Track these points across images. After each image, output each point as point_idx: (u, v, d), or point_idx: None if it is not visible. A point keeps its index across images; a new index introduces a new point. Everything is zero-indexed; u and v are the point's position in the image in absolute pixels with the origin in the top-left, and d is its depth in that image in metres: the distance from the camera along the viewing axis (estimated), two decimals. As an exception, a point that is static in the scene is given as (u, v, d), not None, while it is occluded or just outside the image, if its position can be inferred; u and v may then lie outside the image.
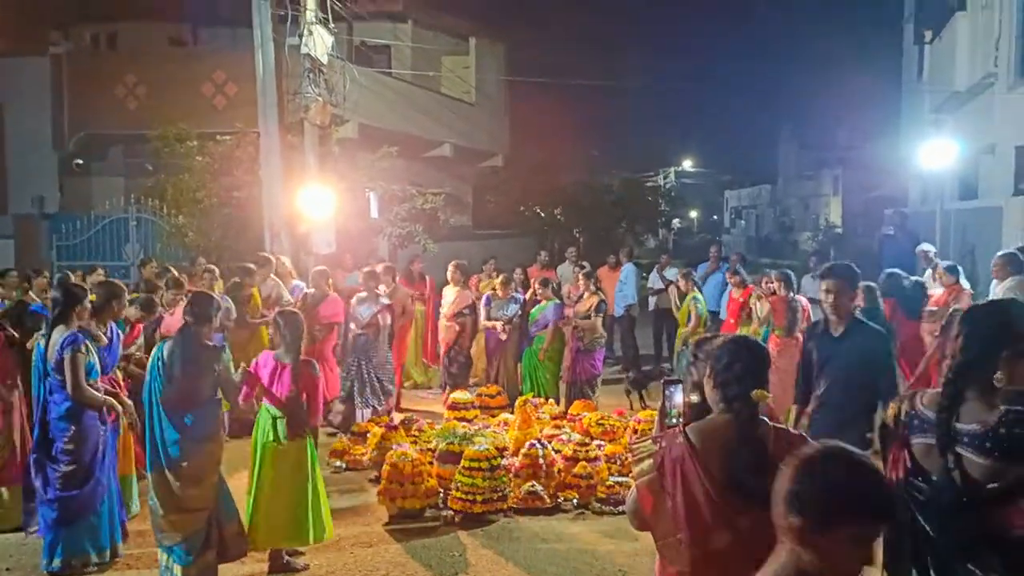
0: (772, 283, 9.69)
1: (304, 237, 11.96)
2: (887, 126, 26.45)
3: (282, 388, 5.53)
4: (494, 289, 10.63)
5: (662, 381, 3.22)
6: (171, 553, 5.22)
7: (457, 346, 10.50)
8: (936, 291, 9.32)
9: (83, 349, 5.52)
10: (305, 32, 11.62)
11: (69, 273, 10.16)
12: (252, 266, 9.66)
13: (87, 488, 5.62)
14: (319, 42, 11.73)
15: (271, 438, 5.53)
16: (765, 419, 2.99)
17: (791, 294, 9.26)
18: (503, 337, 10.25)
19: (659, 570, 3.04)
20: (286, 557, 5.71)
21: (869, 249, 19.08)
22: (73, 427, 5.57)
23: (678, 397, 3.12)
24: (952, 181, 17.05)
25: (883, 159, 26.52)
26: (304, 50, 11.64)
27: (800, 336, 9.41)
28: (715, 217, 68.64)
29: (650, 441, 3.06)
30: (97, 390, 5.66)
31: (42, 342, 5.68)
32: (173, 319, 7.84)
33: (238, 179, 13.05)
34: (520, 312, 10.46)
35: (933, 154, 15.33)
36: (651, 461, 2.97)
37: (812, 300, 10.89)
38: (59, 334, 5.55)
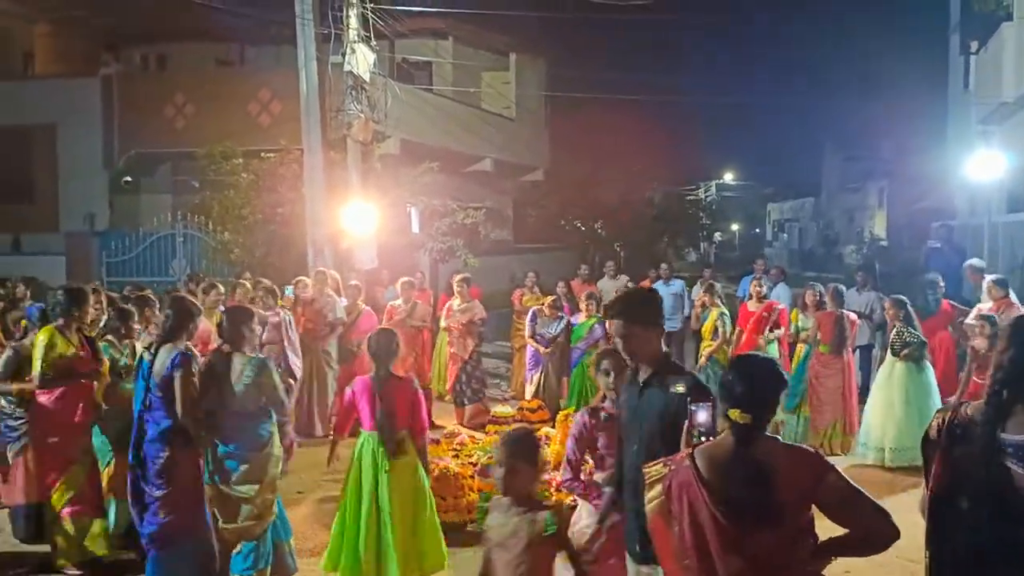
0: (816, 296, 9.58)
1: (347, 253, 12.09)
2: (933, 138, 26.11)
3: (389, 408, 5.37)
4: (542, 307, 10.49)
5: (688, 400, 3.21)
6: (232, 565, 5.22)
7: (471, 363, 10.26)
8: (985, 305, 9.15)
9: (193, 369, 5.35)
10: (348, 50, 11.79)
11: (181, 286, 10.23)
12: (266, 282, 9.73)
13: (185, 514, 5.36)
14: (361, 60, 11.89)
15: (386, 468, 5.31)
16: (773, 437, 2.94)
17: (840, 309, 9.14)
18: (543, 353, 10.20)
19: None
20: None
21: (915, 262, 18.79)
22: (170, 447, 5.31)
23: (702, 416, 3.10)
24: (1000, 193, 16.74)
25: (929, 171, 26.15)
26: (347, 68, 11.81)
27: (849, 353, 9.31)
28: (757, 230, 68.04)
29: (661, 464, 3.05)
30: None
31: (147, 357, 5.46)
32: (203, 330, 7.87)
33: (282, 196, 13.24)
34: (564, 330, 10.38)
35: (980, 166, 15.07)
36: (660, 486, 2.96)
37: (856, 314, 10.78)
38: (167, 352, 5.33)
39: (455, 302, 10.37)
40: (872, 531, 2.85)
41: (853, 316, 9.40)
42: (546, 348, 10.04)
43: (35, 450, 6.07)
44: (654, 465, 3.08)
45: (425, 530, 5.40)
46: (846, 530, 2.89)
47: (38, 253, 16.01)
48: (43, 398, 5.99)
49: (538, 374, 10.28)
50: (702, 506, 2.79)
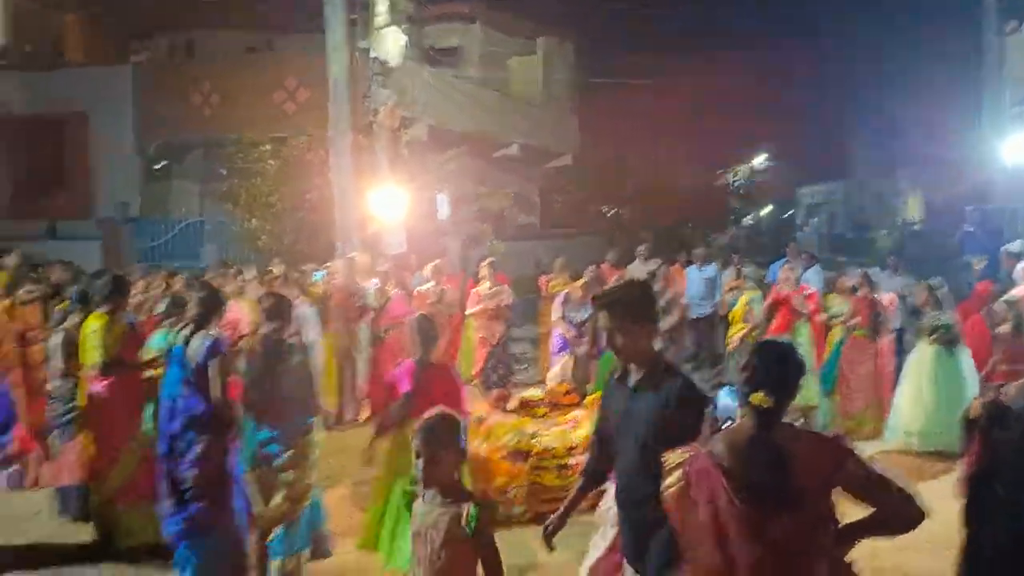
0: (849, 282, 9.49)
1: (374, 238, 12.12)
2: (966, 120, 25.65)
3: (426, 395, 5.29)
4: (575, 287, 10.44)
5: (711, 386, 3.22)
6: (271, 550, 5.25)
7: (500, 347, 10.23)
8: (1019, 291, 9.01)
9: (227, 355, 5.36)
10: (375, 36, 11.79)
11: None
12: (306, 268, 9.77)
13: (216, 501, 5.34)
14: (390, 45, 11.90)
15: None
16: (791, 423, 2.93)
17: (874, 294, 9.05)
18: (570, 338, 10.17)
19: None
20: None
21: (948, 247, 18.53)
22: (204, 435, 5.30)
23: (725, 401, 3.09)
24: (1036, 176, 16.45)
25: (963, 154, 25.73)
26: (374, 54, 11.82)
27: (884, 338, 9.20)
28: (787, 214, 67.39)
29: (681, 451, 3.03)
30: None
31: (178, 342, 5.45)
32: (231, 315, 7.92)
33: (309, 182, 13.30)
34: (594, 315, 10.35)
35: (1015, 149, 14.84)
36: (679, 472, 2.95)
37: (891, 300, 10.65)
38: (201, 339, 5.32)
39: (483, 286, 10.37)
40: (896, 513, 2.84)
41: (887, 300, 9.30)
42: (576, 334, 10.01)
43: (87, 437, 6.11)
44: (675, 453, 3.07)
45: None
46: (870, 512, 2.88)
47: (72, 239, 16.20)
48: (96, 386, 5.99)
49: (565, 357, 10.25)
50: (721, 492, 2.79)
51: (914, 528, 2.86)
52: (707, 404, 3.19)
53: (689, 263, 13.28)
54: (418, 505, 3.40)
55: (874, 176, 48.54)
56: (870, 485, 2.81)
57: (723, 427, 3.02)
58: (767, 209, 63.16)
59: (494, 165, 20.55)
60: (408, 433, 5.25)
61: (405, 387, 5.41)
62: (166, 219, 16.23)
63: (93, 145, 17.83)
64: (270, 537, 5.26)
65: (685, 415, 3.22)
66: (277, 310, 5.50)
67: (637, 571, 3.40)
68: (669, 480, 2.97)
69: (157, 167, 18.19)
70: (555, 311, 10.27)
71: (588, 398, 8.67)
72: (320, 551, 5.51)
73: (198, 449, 5.30)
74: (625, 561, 3.52)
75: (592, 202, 23.68)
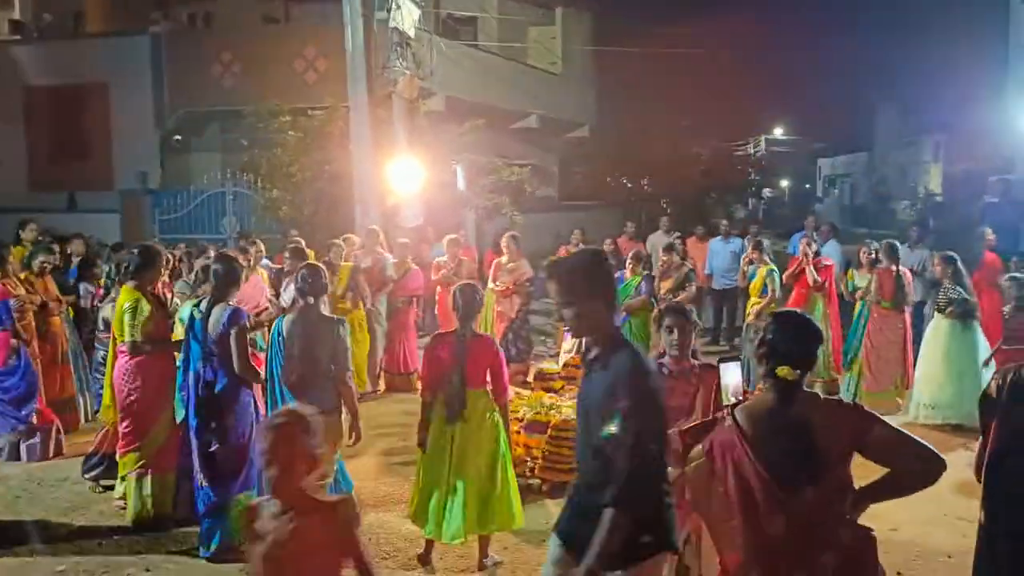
0: (870, 254, 9.44)
1: (393, 210, 12.14)
2: (992, 89, 25.32)
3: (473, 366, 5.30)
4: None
5: (718, 360, 3.20)
6: None
7: (518, 321, 10.14)
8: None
9: (247, 324, 5.40)
10: (393, 6, 11.73)
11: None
12: (338, 241, 9.77)
13: (241, 476, 5.44)
14: (407, 16, 11.85)
15: (455, 429, 5.28)
16: (814, 392, 2.94)
17: (897, 266, 9.01)
18: None
19: (717, 558, 3.00)
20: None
21: (971, 218, 18.37)
22: (230, 405, 5.40)
23: (732, 376, 3.09)
24: (1061, 146, 16.27)
25: (987, 124, 25.42)
26: (392, 23, 11.77)
27: (908, 310, 9.15)
28: (808, 186, 66.83)
29: (701, 425, 3.04)
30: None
31: (197, 316, 5.49)
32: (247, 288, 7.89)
33: (329, 153, 13.30)
34: None
35: (1041, 118, 14.64)
36: (700, 447, 2.96)
37: (912, 272, 10.57)
38: (221, 309, 5.38)
39: (503, 259, 10.37)
40: (919, 471, 2.86)
41: (908, 272, 9.26)
42: None
43: (118, 412, 6.03)
44: (693, 425, 3.10)
45: (501, 490, 5.34)
46: (886, 473, 2.91)
47: (93, 211, 16.31)
48: (126, 364, 5.88)
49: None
50: (747, 465, 2.81)
51: (933, 482, 2.87)
52: (656, 381, 3.00)
53: (708, 235, 13.22)
54: (264, 522, 2.93)
55: (896, 147, 48.02)
56: (896, 447, 2.83)
57: (729, 403, 3.02)
58: (787, 181, 62.69)
59: (512, 137, 20.48)
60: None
61: (448, 359, 5.34)
62: (186, 190, 16.29)
63: (113, 116, 17.88)
64: None
65: (638, 389, 2.94)
66: (316, 283, 5.44)
67: (568, 555, 3.17)
68: (691, 454, 2.98)
69: (177, 138, 18.23)
70: None
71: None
72: None
73: (221, 421, 5.38)
74: (556, 539, 3.34)
75: (611, 174, 23.56)
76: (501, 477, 5.36)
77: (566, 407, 7.51)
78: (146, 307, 5.83)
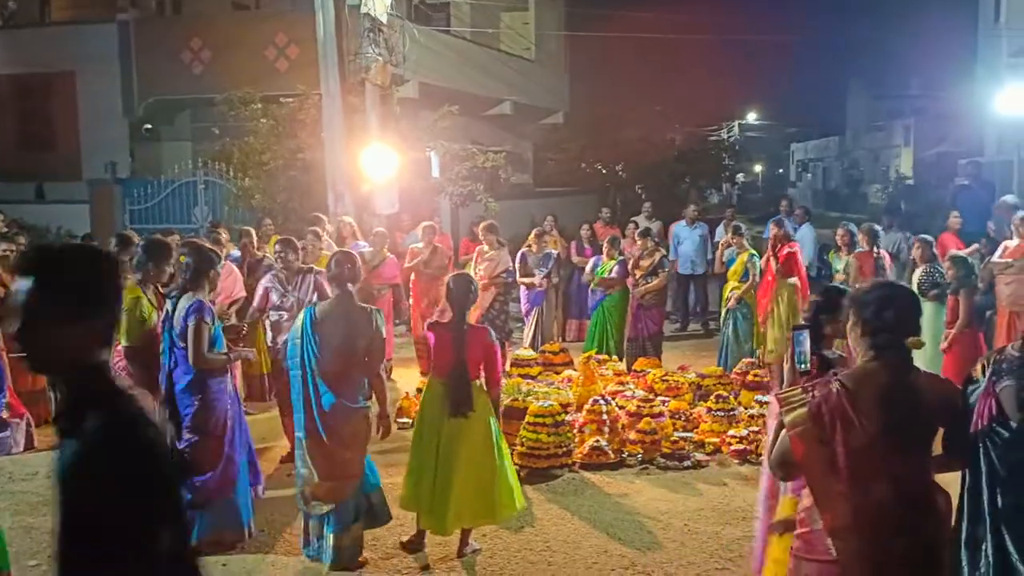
0: (847, 236, 9.50)
1: (367, 198, 12.06)
2: (961, 73, 25.54)
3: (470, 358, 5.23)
4: (528, 245, 10.44)
5: (791, 329, 3.30)
6: (324, 521, 5.13)
7: (494, 310, 10.05)
8: (1012, 243, 9.04)
9: (208, 319, 5.23)
10: (363, -9, 11.62)
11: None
12: (318, 229, 9.67)
13: (219, 469, 5.32)
14: (378, 1, 11.74)
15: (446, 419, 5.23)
16: (916, 366, 3.03)
17: (877, 249, 9.08)
18: (541, 288, 10.16)
19: (808, 518, 3.04)
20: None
21: (942, 201, 18.55)
22: (199, 398, 5.26)
23: (806, 344, 3.22)
24: (1030, 129, 16.42)
25: (957, 108, 25.68)
26: (364, 9, 11.66)
27: None
28: (780, 171, 67.25)
29: (800, 390, 3.09)
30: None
31: (169, 308, 5.33)
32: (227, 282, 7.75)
33: (302, 141, 13.18)
34: (556, 267, 10.36)
35: (1010, 100, 14.80)
36: (803, 410, 2.98)
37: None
38: (186, 301, 5.25)
39: (485, 247, 10.36)
40: (964, 450, 3.02)
41: (885, 254, 9.35)
42: (539, 283, 10.07)
43: None
44: (792, 390, 3.15)
45: (496, 481, 5.29)
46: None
47: (61, 201, 16.08)
48: (119, 362, 5.52)
49: (534, 316, 10.22)
50: (860, 432, 2.86)
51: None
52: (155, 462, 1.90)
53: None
54: None
55: (867, 131, 48.43)
56: (965, 426, 3.00)
57: (802, 369, 3.19)
58: (761, 166, 63.03)
59: (487, 123, 20.41)
60: (446, 404, 5.22)
61: (439, 349, 5.30)
62: (157, 180, 16.09)
63: (81, 105, 17.60)
64: (321, 510, 5.10)
65: (101, 490, 1.81)
66: (349, 270, 5.23)
67: None
68: (791, 418, 3.00)
69: (147, 127, 18.00)
70: (517, 270, 10.21)
71: (582, 356, 8.75)
72: (377, 518, 5.34)
73: (191, 415, 5.27)
74: None
75: (586, 160, 23.55)
76: (496, 466, 5.30)
77: (543, 393, 7.54)
78: (147, 307, 5.57)
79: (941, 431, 3.06)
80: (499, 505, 5.31)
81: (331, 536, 5.11)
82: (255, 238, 9.60)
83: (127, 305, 5.42)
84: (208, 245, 6.08)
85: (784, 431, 3.02)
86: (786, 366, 3.32)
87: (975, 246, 9.89)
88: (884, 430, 2.86)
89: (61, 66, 17.40)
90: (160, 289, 5.81)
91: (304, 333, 5.12)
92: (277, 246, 7.26)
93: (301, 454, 5.15)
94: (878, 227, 9.45)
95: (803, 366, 3.23)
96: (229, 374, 5.57)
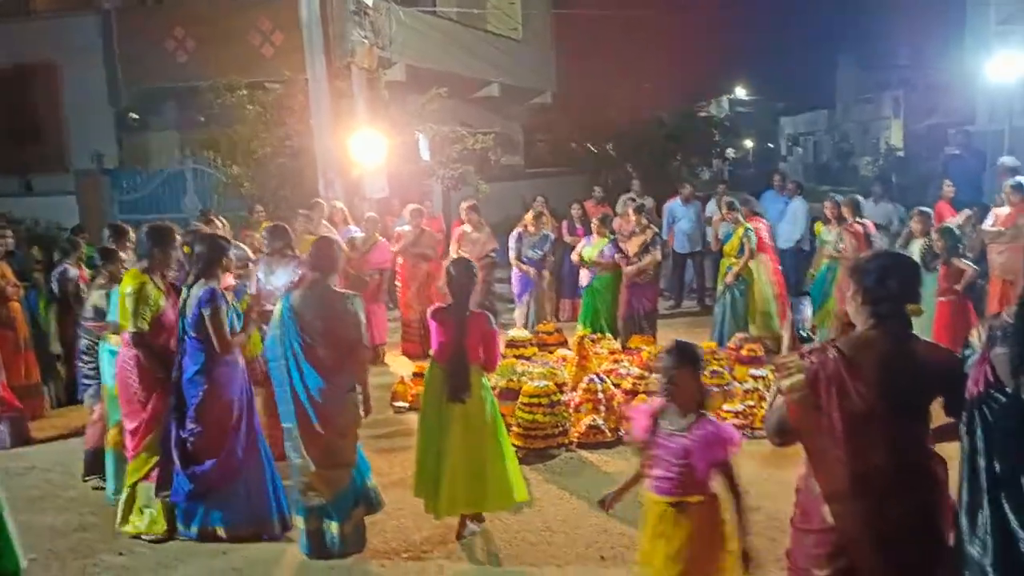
0: (835, 209, 9.50)
1: (357, 182, 12.01)
2: (950, 41, 25.45)
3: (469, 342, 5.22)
4: (525, 226, 10.39)
5: (791, 296, 3.33)
6: (321, 514, 5.11)
7: (482, 291, 9.81)
8: (1002, 210, 9.04)
9: (223, 304, 5.21)
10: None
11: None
12: (310, 213, 9.63)
13: (221, 458, 5.27)
14: (362, -16, 11.65)
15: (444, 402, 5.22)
16: (915, 333, 3.05)
17: (859, 220, 9.09)
18: (533, 276, 10.15)
19: (805, 486, 3.08)
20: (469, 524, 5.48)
21: (933, 172, 18.54)
22: (206, 387, 5.22)
23: (807, 310, 3.27)
24: (1021, 97, 16.38)
25: (946, 77, 25.64)
26: (348, -8, 11.58)
27: None
28: (770, 145, 67.18)
29: (797, 356, 3.10)
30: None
31: (184, 296, 5.31)
32: None
33: (290, 128, 13.10)
34: (551, 249, 10.34)
35: (999, 68, 14.75)
36: (800, 377, 3.00)
37: (877, 226, 10.65)
38: (199, 289, 5.21)
39: (467, 228, 10.32)
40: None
41: (870, 225, 9.34)
42: (537, 271, 10.06)
43: (122, 405, 5.60)
44: (789, 356, 3.17)
45: (497, 466, 5.28)
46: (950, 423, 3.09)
47: (49, 194, 15.97)
48: (127, 354, 5.48)
49: (527, 298, 10.19)
50: (856, 399, 2.88)
51: None
52: None
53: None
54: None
55: (856, 104, 48.36)
56: (963, 390, 2.98)
57: (803, 336, 3.22)
58: (751, 141, 62.97)
59: (475, 105, 20.31)
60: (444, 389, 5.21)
61: (439, 334, 5.29)
62: (145, 170, 15.98)
63: (65, 97, 17.44)
64: (316, 501, 5.08)
65: None
66: (326, 256, 5.23)
67: None
68: (787, 383, 3.02)
69: (133, 117, 17.85)
70: (511, 250, 10.18)
71: (576, 336, 8.73)
72: (371, 505, 5.36)
73: (196, 403, 5.23)
74: None
75: (575, 140, 23.48)
76: (492, 455, 5.28)
77: (538, 373, 7.53)
78: (153, 292, 5.42)
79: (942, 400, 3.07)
80: (492, 494, 5.28)
81: (334, 526, 5.10)
82: (219, 225, 9.45)
83: (133, 290, 5.35)
84: (220, 233, 6.04)
85: (780, 397, 3.04)
86: (785, 334, 3.35)
87: (966, 212, 9.87)
88: (881, 397, 2.88)
89: (44, 58, 17.22)
90: (165, 275, 5.68)
91: (283, 322, 5.08)
92: (265, 233, 7.28)
93: (292, 444, 5.11)
94: (860, 198, 9.43)
95: (804, 334, 3.29)
96: (241, 362, 5.50)
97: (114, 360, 5.70)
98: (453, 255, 10.08)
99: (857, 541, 2.90)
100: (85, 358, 6.60)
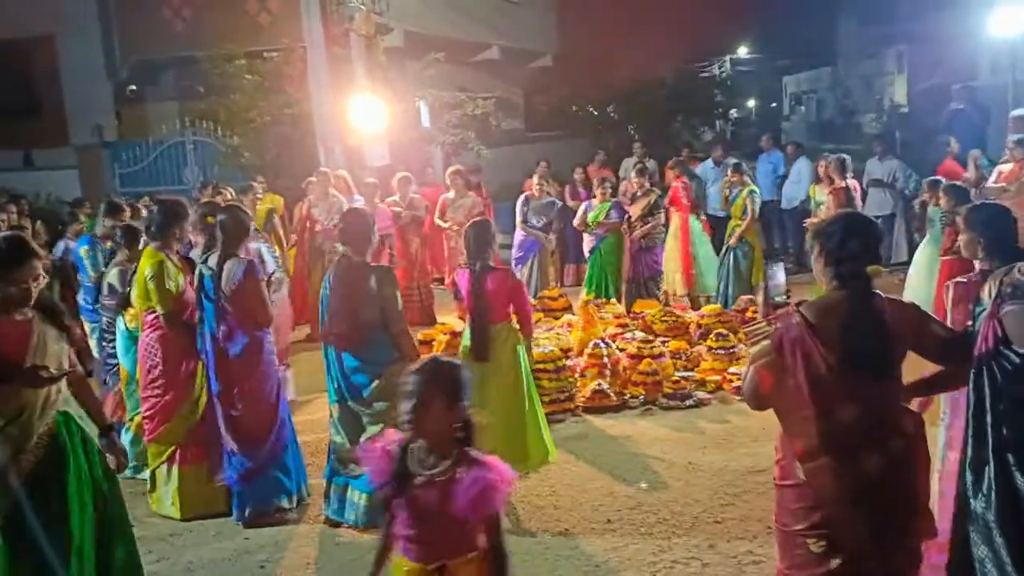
0: (827, 168, 9.43)
1: (357, 150, 11.96)
2: (953, -5, 25.12)
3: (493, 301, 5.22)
4: (531, 190, 10.34)
5: (765, 262, 3.36)
6: (355, 482, 5.04)
7: None
8: (1006, 167, 8.99)
9: (262, 275, 5.18)
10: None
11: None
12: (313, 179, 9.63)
13: (272, 435, 5.22)
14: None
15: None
16: (878, 292, 3.07)
17: (844, 181, 9.02)
18: (548, 245, 10.13)
19: (782, 446, 3.14)
20: None
21: (936, 128, 18.41)
22: (255, 362, 5.14)
23: (780, 276, 3.29)
24: (1024, 50, 16.20)
25: (949, 31, 25.30)
26: (344, -42, 11.46)
27: None
28: (774, 104, 66.63)
29: (765, 323, 3.17)
30: None
31: (207, 273, 5.17)
32: None
33: (289, 96, 13.04)
34: (557, 214, 10.33)
35: (1003, 21, 14.54)
36: (767, 343, 3.09)
37: (878, 183, 10.59)
38: (234, 263, 5.08)
39: (450, 195, 10.32)
40: (961, 371, 3.10)
41: (856, 184, 9.23)
42: (547, 235, 10.06)
43: (141, 390, 5.48)
44: (758, 324, 3.24)
45: (527, 427, 5.32)
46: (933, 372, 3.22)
47: (50, 168, 15.92)
48: (151, 335, 5.36)
49: (530, 262, 10.17)
50: (819, 360, 2.94)
51: (965, 383, 3.12)
52: None
53: (688, 162, 12.99)
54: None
55: (859, 60, 47.81)
56: (949, 342, 3.08)
57: (777, 302, 3.26)
58: (753, 100, 62.50)
59: (474, 70, 20.15)
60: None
61: (467, 295, 5.36)
62: (145, 142, 15.92)
63: (63, 69, 17.32)
64: (358, 471, 4.91)
65: None
66: (356, 229, 5.07)
67: None
68: (756, 350, 3.12)
69: (132, 88, 17.75)
70: (518, 214, 10.17)
71: (581, 300, 8.74)
72: None
73: (244, 382, 5.17)
74: None
75: (577, 102, 23.31)
76: (526, 411, 5.33)
77: (544, 339, 7.55)
78: (172, 270, 5.30)
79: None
80: (531, 450, 5.37)
81: (364, 496, 5.04)
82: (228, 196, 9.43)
83: (153, 272, 5.23)
84: (241, 206, 5.93)
85: (751, 363, 3.12)
86: (759, 298, 3.37)
87: (974, 153, 9.80)
88: (845, 357, 2.93)
89: (40, 30, 17.08)
90: (179, 250, 5.60)
91: (322, 299, 5.09)
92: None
93: (332, 422, 5.11)
94: (847, 157, 9.31)
95: (778, 299, 3.34)
96: (271, 335, 5.43)
97: (127, 340, 5.69)
98: (437, 221, 10.16)
99: (830, 497, 2.97)
100: (108, 336, 6.41)
